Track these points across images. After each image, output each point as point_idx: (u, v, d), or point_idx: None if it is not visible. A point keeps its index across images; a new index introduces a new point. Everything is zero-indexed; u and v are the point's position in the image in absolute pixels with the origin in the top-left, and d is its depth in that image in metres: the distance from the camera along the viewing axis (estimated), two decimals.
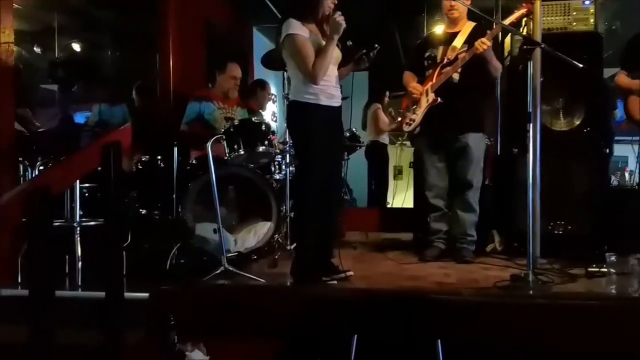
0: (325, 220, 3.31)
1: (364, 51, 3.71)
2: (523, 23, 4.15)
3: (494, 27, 3.76)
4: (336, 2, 3.25)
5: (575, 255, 3.65)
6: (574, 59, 3.18)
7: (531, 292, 3.04)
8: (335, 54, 3.24)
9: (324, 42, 3.21)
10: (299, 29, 3.18)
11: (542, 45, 3.26)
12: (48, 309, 2.22)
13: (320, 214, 3.26)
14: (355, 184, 7.27)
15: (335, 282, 3.24)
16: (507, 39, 4.58)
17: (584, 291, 3.08)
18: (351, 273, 3.30)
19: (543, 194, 3.59)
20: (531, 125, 3.16)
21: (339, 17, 3.11)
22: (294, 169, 4.13)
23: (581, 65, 3.16)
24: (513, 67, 4.30)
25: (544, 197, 3.59)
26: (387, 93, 7.39)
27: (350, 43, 3.28)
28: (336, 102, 3.30)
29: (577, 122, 4.08)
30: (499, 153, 4.92)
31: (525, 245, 3.23)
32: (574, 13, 4.12)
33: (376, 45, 3.28)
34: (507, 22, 3.72)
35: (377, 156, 7.41)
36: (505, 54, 4.57)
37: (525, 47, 3.24)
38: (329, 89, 3.24)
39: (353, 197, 7.42)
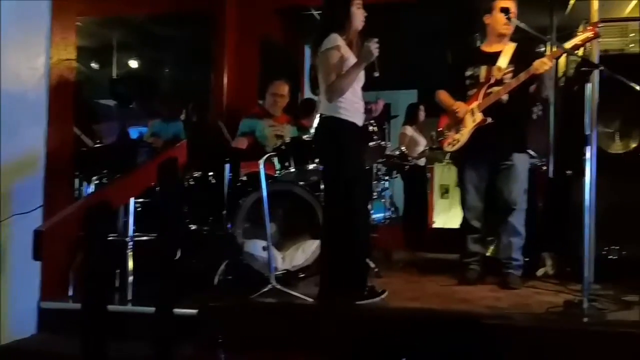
0: (361, 241, 3.29)
1: None
2: None
3: (555, 48, 3.63)
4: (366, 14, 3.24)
5: (630, 281, 3.55)
6: (630, 81, 3.08)
7: (586, 319, 2.94)
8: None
9: (351, 57, 3.18)
10: (339, 42, 3.16)
11: (602, 67, 3.17)
12: (101, 323, 2.26)
13: (359, 233, 3.24)
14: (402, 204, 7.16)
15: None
16: (562, 59, 4.50)
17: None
18: (386, 294, 3.26)
19: (597, 218, 3.48)
20: (588, 147, 3.06)
21: (373, 46, 3.04)
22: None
23: (639, 88, 3.07)
24: (568, 88, 4.21)
25: (598, 221, 3.48)
26: (422, 107, 6.75)
27: (377, 74, 3.13)
28: (361, 121, 3.32)
29: (634, 145, 3.97)
30: (550, 175, 4.81)
31: (578, 270, 3.13)
32: (632, 34, 4.03)
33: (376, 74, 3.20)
34: (570, 44, 3.53)
35: (413, 178, 6.75)
36: (560, 74, 4.49)
37: (583, 68, 3.16)
38: (361, 108, 3.27)
39: (400, 215, 7.30)
